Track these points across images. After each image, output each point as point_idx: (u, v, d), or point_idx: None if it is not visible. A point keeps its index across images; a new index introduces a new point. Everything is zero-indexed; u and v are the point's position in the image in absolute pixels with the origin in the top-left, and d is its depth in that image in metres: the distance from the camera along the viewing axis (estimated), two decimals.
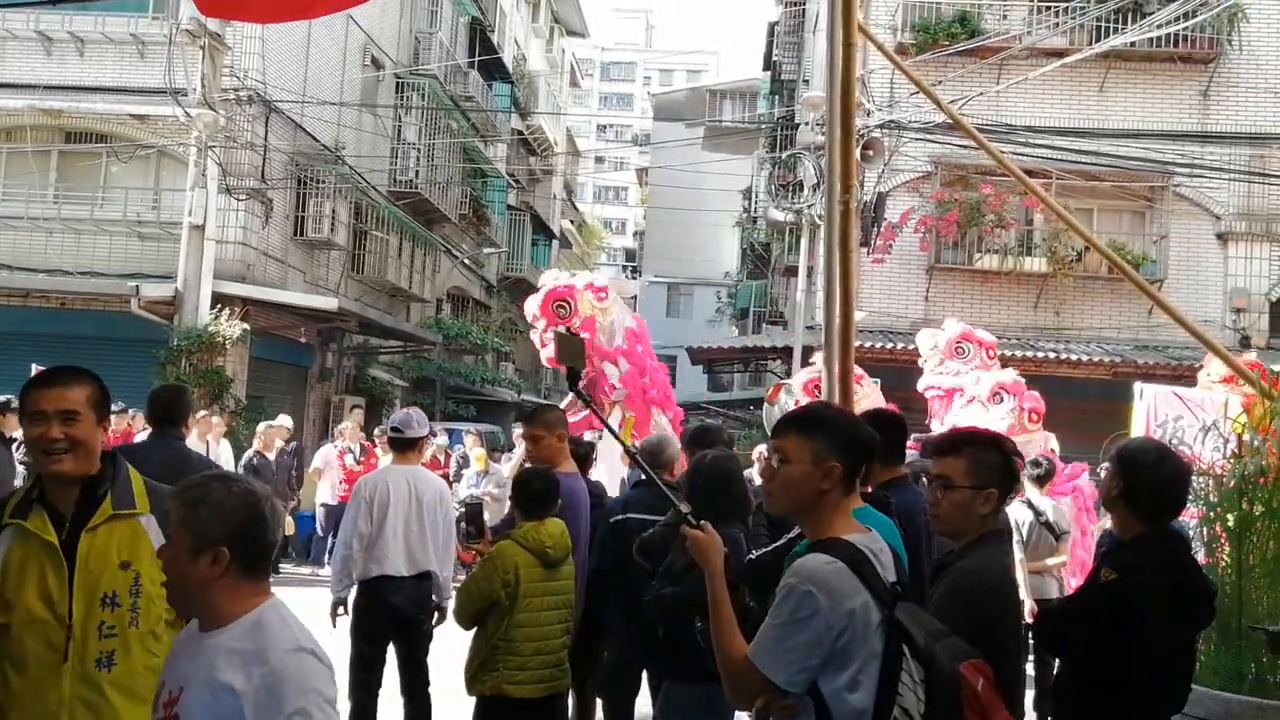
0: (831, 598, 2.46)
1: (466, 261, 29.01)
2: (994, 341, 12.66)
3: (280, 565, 13.56)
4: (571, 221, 50.38)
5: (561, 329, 9.86)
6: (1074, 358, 16.31)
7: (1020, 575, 7.73)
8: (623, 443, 4.38)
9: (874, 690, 2.47)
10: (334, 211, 19.52)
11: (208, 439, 12.94)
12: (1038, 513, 7.92)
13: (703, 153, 36.92)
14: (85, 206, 17.12)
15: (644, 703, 5.31)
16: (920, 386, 12.05)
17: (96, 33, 17.08)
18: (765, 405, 10.58)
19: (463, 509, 5.81)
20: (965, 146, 14.42)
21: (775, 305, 28.66)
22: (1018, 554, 7.64)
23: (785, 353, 19.37)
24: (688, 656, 4.14)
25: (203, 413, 12.71)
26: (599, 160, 69.16)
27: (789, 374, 17.60)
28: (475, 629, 4.75)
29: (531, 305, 10.31)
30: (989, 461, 3.17)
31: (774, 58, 29.87)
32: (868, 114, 16.11)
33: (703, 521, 2.85)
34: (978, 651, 2.67)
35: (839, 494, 2.67)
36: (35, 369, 11.93)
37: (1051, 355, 16.22)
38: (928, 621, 2.67)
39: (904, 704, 2.47)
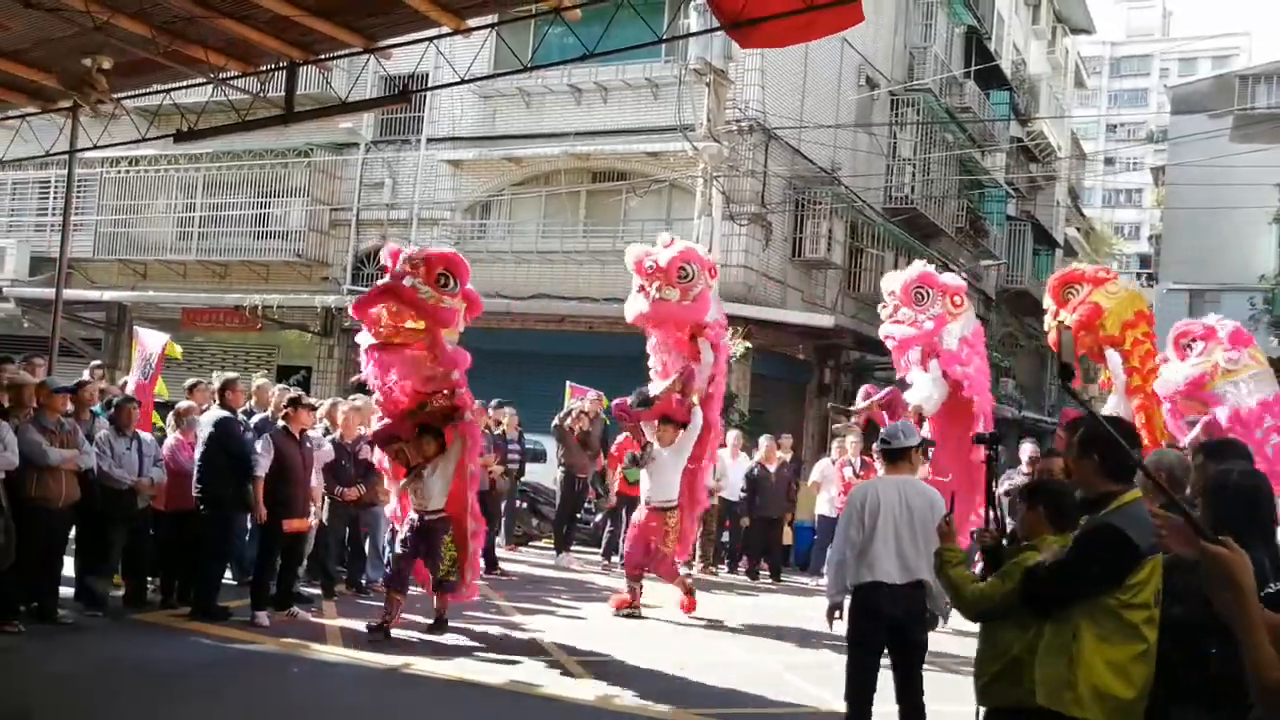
0: None
1: (964, 275, 28.53)
2: (961, 286, 11.41)
3: (781, 575, 14.25)
4: (1078, 229, 47.80)
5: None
6: None
7: None
8: (1126, 439, 4.21)
9: None
10: (830, 231, 20.11)
11: (718, 452, 13.96)
12: None
13: (1230, 145, 33.70)
14: (608, 239, 18.97)
15: None
16: (881, 335, 11.45)
17: (618, 80, 18.91)
18: None
19: None
20: None
21: None
22: None
23: None
24: (1194, 681, 3.99)
25: None
26: (1108, 162, 64.97)
27: None
28: (983, 641, 4.76)
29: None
30: None
31: None
32: None
33: (1224, 537, 2.64)
34: None
35: None
36: (570, 386, 13.49)
37: None
38: None
39: None
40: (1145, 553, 3.93)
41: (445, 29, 9.53)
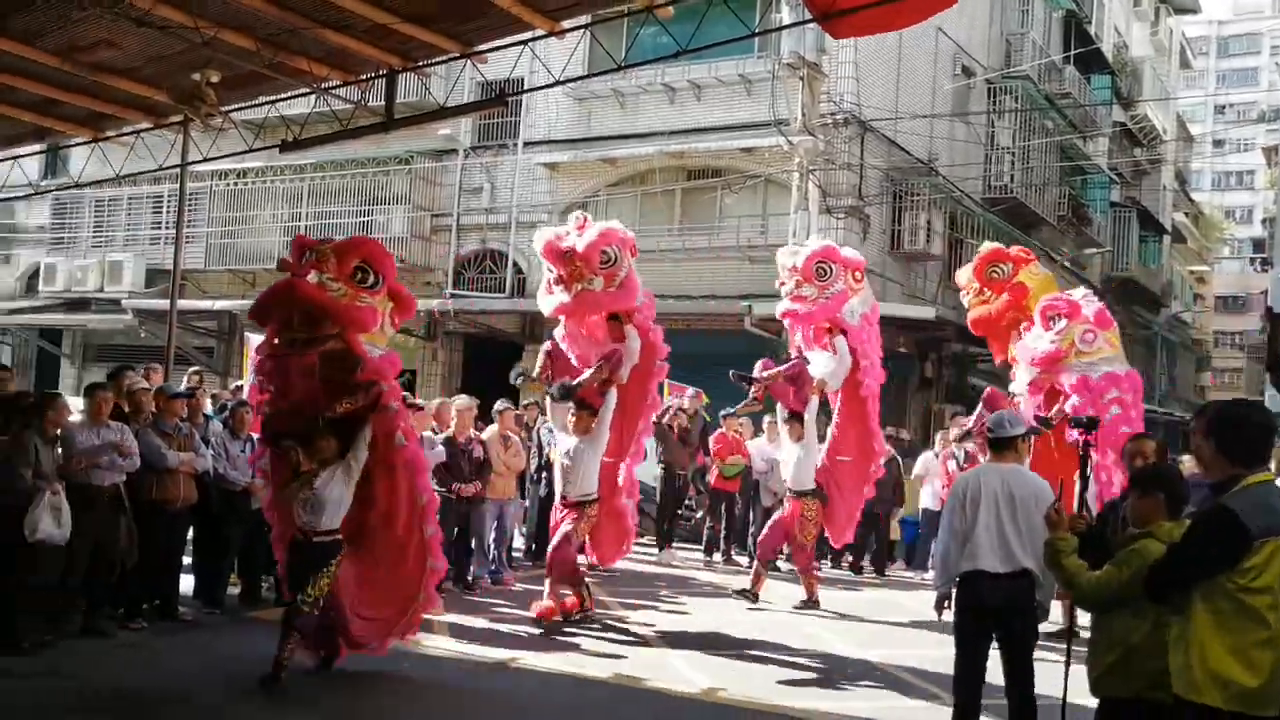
0: None
1: (1067, 264, 27.90)
2: (861, 262, 11.26)
3: (886, 570, 14.12)
4: (1186, 214, 46.39)
5: None
6: None
7: None
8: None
9: None
10: (929, 223, 19.84)
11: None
12: None
13: None
14: (704, 236, 18.95)
15: None
16: (778, 312, 11.21)
17: (710, 78, 18.88)
18: None
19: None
20: None
21: None
22: None
23: None
24: None
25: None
26: (1218, 144, 62.89)
27: None
28: (1097, 631, 4.68)
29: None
30: None
31: None
32: None
33: None
34: None
35: None
36: (668, 383, 13.48)
37: None
38: None
39: None
40: (1256, 535, 3.84)
41: (539, 31, 9.65)
